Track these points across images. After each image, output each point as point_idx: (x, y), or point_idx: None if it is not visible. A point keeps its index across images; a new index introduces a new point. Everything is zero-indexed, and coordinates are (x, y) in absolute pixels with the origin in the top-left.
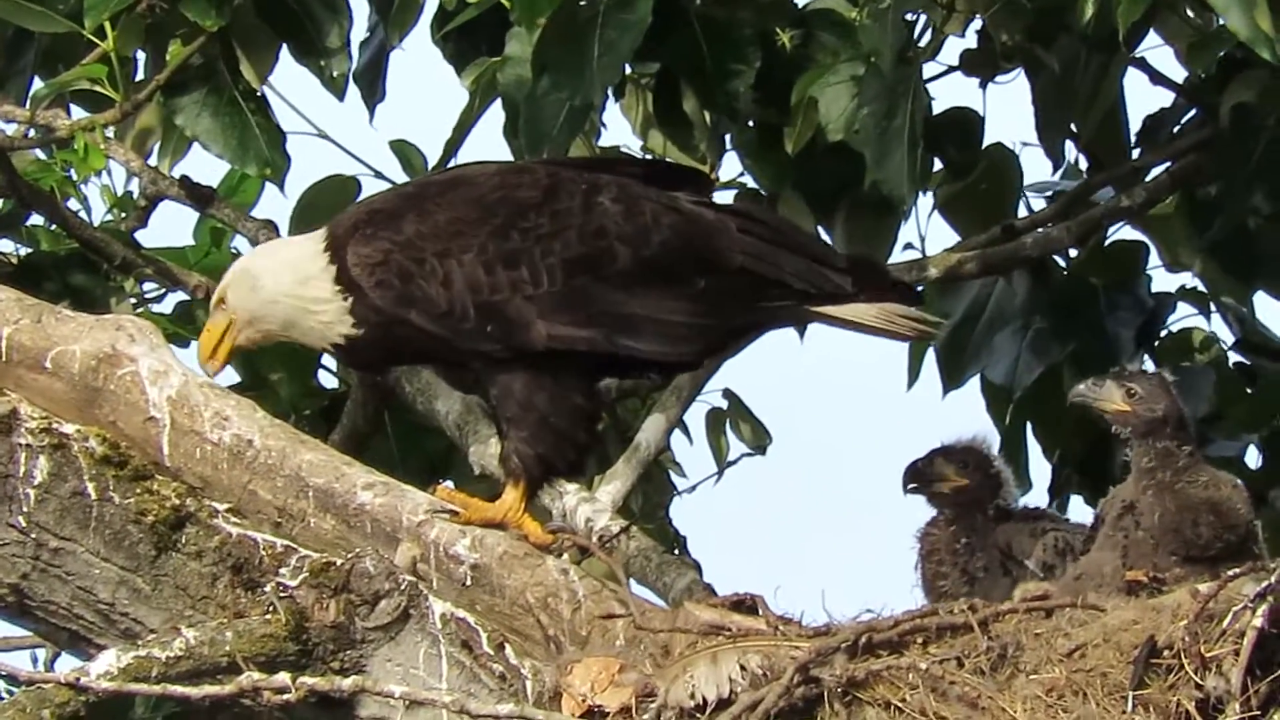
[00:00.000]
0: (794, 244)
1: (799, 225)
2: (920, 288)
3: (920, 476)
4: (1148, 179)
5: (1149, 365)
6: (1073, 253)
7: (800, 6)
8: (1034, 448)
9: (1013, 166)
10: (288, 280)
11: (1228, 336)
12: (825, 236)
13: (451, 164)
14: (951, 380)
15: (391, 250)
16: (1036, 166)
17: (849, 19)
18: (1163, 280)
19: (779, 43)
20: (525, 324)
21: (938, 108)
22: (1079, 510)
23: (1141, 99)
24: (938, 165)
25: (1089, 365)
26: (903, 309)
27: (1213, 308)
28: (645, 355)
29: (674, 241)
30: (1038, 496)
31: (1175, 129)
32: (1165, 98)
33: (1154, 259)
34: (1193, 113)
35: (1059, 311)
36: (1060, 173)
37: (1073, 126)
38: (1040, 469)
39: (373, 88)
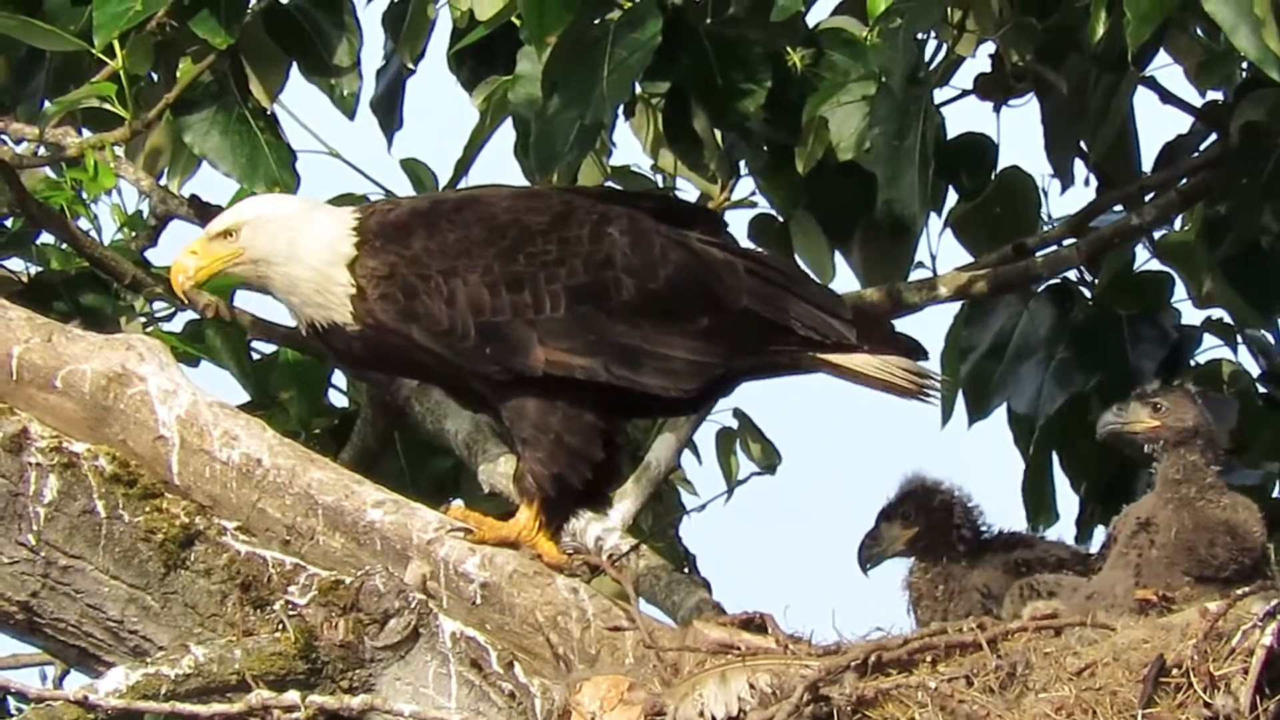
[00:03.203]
0: (802, 291)
1: (809, 273)
2: (929, 308)
3: (869, 548)
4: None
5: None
6: (1096, 283)
7: (811, 26)
8: (1061, 481)
9: (1028, 190)
10: (322, 253)
11: (1254, 368)
12: (840, 259)
13: (462, 183)
14: (976, 411)
15: (398, 264)
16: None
17: (860, 39)
18: (1192, 315)
19: (790, 62)
20: (525, 347)
21: (952, 133)
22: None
23: (1152, 118)
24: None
25: (1113, 396)
26: (906, 363)
27: (1239, 340)
28: (642, 388)
29: (680, 278)
30: (1065, 529)
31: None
32: (1175, 116)
33: (1181, 292)
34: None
35: (1083, 342)
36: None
37: (1083, 145)
38: (1068, 501)
39: (390, 115)
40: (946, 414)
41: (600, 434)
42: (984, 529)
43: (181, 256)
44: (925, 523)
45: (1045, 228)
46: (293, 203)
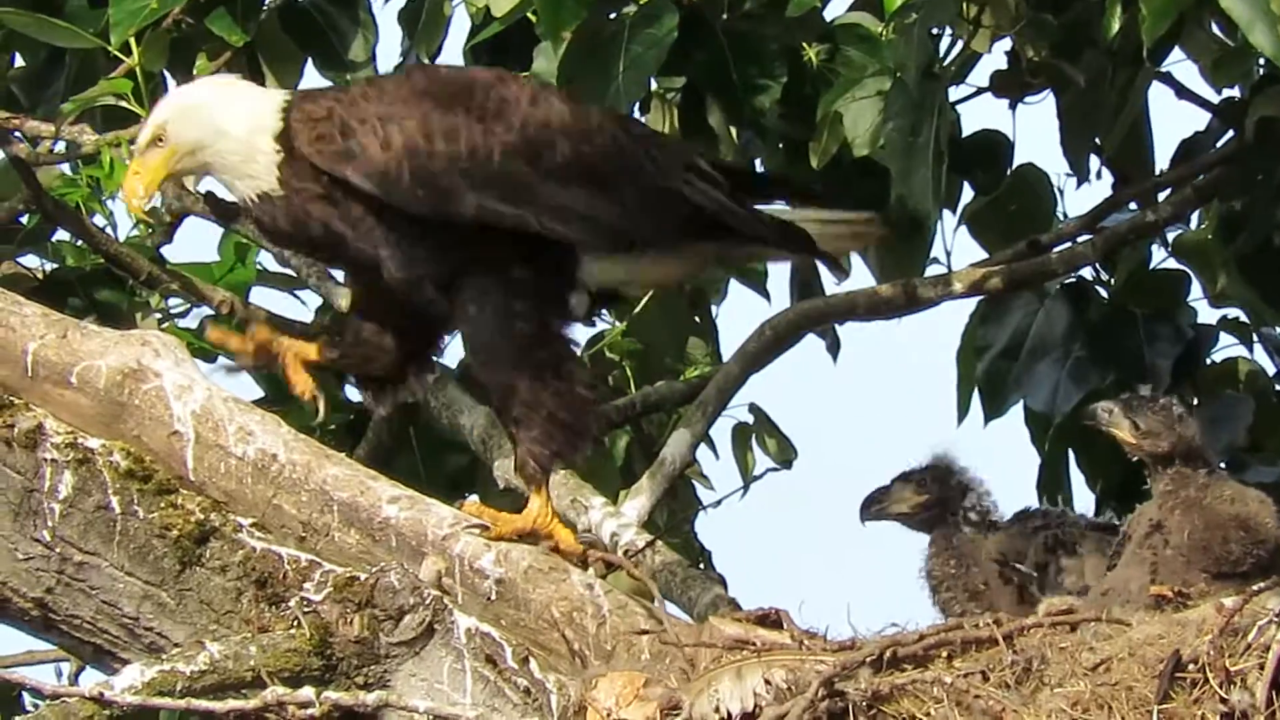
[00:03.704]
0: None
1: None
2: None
3: (875, 501)
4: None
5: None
6: (1112, 281)
7: (828, 22)
8: (1077, 478)
9: (1044, 187)
10: (244, 121)
11: (1270, 366)
12: (855, 256)
13: None
14: (992, 408)
15: (335, 107)
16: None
17: (876, 34)
18: (1208, 314)
19: (806, 58)
20: (458, 194)
21: (968, 130)
22: None
23: (1168, 114)
24: (969, 190)
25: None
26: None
27: (1255, 338)
28: (572, 240)
29: (613, 149)
30: None
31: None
32: (1191, 112)
33: (1198, 291)
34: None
35: (1099, 340)
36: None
37: (1099, 142)
38: (1084, 499)
39: None
40: (963, 412)
41: (591, 407)
42: (994, 522)
43: (126, 181)
44: (937, 496)
45: (1061, 225)
46: (206, 85)
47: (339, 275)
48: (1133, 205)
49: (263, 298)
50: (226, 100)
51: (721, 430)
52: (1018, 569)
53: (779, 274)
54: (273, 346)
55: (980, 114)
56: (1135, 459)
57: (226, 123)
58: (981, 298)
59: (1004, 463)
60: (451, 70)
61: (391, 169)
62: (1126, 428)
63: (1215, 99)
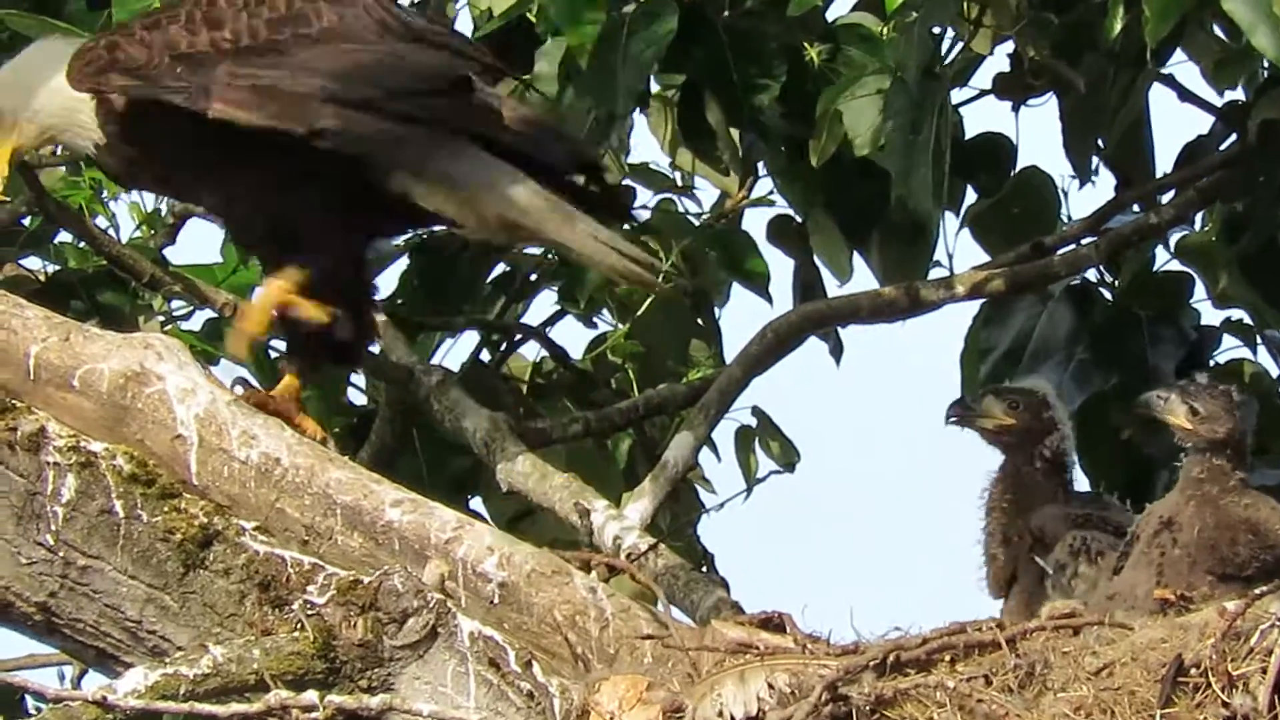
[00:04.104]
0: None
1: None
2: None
3: (964, 409)
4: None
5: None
6: (1116, 283)
7: (829, 21)
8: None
9: (1047, 189)
10: (57, 76)
11: (1274, 368)
12: (859, 259)
13: None
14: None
15: (103, 36)
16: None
17: (877, 34)
18: (1212, 316)
19: (806, 57)
20: (213, 64)
21: (970, 133)
22: None
23: (1170, 116)
24: (972, 193)
25: (1131, 397)
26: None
27: (1259, 340)
28: (322, 98)
29: (372, 26)
30: None
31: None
32: (1193, 114)
33: (1201, 293)
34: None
35: (1102, 342)
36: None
37: (1101, 144)
38: None
39: None
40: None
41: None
42: (1066, 466)
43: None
44: (1024, 424)
45: (1064, 227)
46: (24, 52)
47: None
48: (1136, 207)
49: None
50: (39, 61)
51: (724, 433)
52: (1036, 560)
53: (782, 276)
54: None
55: (983, 117)
56: (1180, 443)
57: (41, 82)
58: (984, 300)
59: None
60: None
61: (152, 60)
62: (1183, 413)
63: (1218, 101)
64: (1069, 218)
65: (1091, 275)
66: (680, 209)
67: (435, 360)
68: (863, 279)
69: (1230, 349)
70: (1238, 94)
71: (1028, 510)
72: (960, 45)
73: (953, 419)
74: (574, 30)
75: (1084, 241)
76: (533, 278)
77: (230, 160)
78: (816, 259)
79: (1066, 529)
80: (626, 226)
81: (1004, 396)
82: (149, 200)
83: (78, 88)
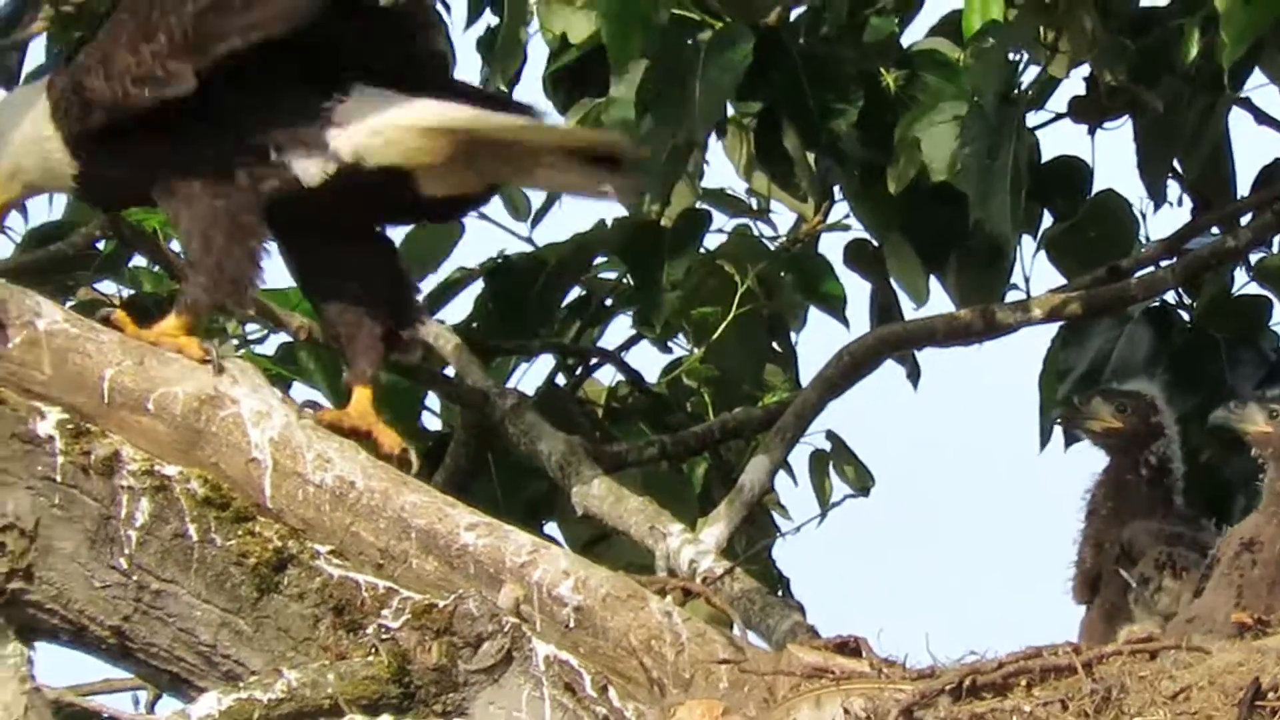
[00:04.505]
0: None
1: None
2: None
3: (1072, 410)
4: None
5: None
6: (1194, 305)
7: (905, 47)
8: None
9: (1123, 213)
10: (27, 125)
11: None
12: (935, 282)
13: (556, 205)
14: (1073, 434)
15: (65, 73)
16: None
17: (954, 60)
18: None
19: (883, 83)
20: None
21: (1047, 156)
22: None
23: (1248, 139)
24: (1048, 217)
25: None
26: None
27: None
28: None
29: None
30: None
31: None
32: (1271, 137)
33: None
34: None
35: (1181, 365)
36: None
37: (1178, 167)
38: None
39: None
40: (1045, 437)
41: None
42: (1170, 474)
43: None
44: (1131, 428)
45: (1141, 250)
46: None
47: None
48: (1214, 230)
49: None
50: (9, 109)
51: (799, 457)
52: (1120, 573)
53: (858, 300)
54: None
55: (1060, 140)
56: (1259, 456)
57: (12, 128)
58: (1061, 323)
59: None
60: None
61: (90, 65)
62: (1261, 418)
63: None
64: (1147, 240)
65: (1169, 298)
66: (756, 233)
67: (510, 384)
68: (939, 302)
69: None
70: None
71: (1126, 520)
72: (1037, 70)
73: (1061, 421)
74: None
75: (1161, 264)
76: (608, 302)
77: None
78: (893, 282)
79: (1155, 545)
80: None
81: (1112, 398)
82: None
83: (76, 149)
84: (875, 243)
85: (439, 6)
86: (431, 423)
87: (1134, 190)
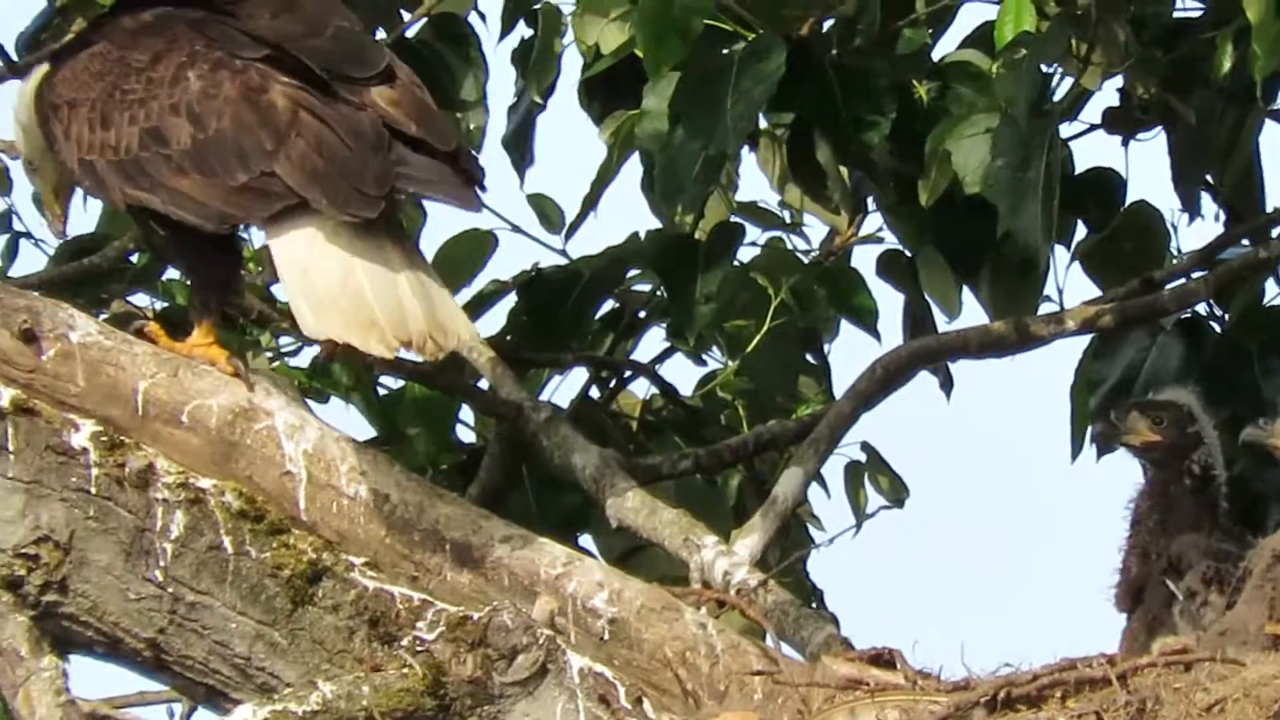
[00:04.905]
0: None
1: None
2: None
3: (1109, 426)
4: None
5: None
6: (1226, 316)
7: (937, 60)
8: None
9: (1157, 224)
10: (24, 110)
11: None
12: (968, 294)
13: (590, 217)
14: (1106, 444)
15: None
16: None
17: (986, 72)
18: None
19: (915, 95)
20: (109, 186)
21: (1080, 167)
22: None
23: (1278, 151)
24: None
25: (1243, 428)
26: None
27: None
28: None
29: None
30: None
31: None
32: None
33: None
34: None
35: (1214, 376)
36: None
37: (1211, 179)
38: None
39: (521, 152)
40: (1077, 447)
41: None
42: (1214, 481)
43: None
44: (1170, 439)
45: (1175, 261)
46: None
47: None
48: (1245, 241)
49: None
50: (18, 98)
51: (833, 469)
52: (1167, 584)
53: (891, 310)
54: None
55: (1093, 151)
56: None
57: (20, 117)
58: (1094, 334)
59: (1116, 500)
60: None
61: (69, 161)
62: None
63: None
64: (1179, 251)
65: (1201, 309)
66: (790, 246)
67: (544, 397)
68: (972, 314)
69: None
70: None
71: (1172, 532)
72: (1070, 81)
73: (1099, 437)
74: (659, 75)
75: (1194, 276)
76: (642, 315)
77: None
78: (926, 294)
79: (1203, 559)
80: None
81: (1148, 412)
82: (257, 237)
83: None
84: (908, 254)
85: (472, 18)
86: (465, 435)
87: (1167, 201)
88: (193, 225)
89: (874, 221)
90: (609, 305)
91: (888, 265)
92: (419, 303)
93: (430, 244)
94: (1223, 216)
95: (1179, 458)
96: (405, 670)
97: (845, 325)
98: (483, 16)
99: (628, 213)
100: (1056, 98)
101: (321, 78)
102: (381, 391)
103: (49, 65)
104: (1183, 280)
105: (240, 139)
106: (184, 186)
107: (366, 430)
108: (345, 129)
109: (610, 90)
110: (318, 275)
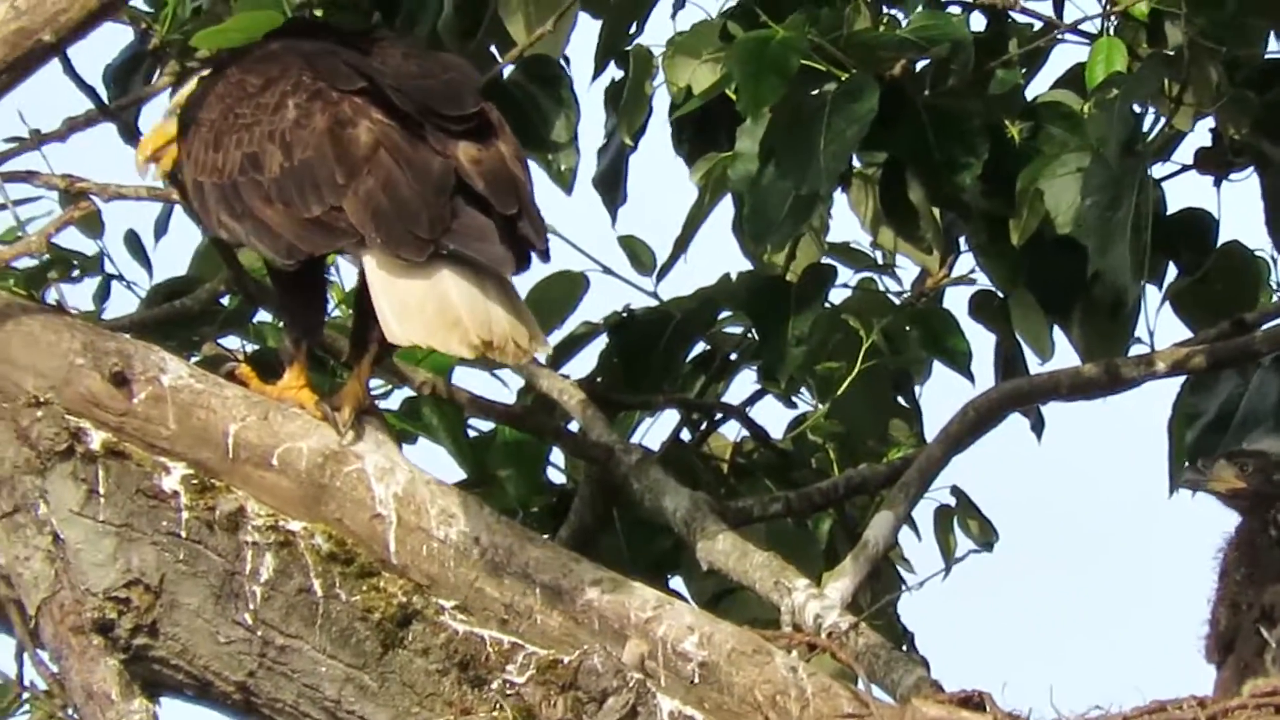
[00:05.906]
0: None
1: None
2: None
3: (1196, 473)
4: None
5: None
6: None
7: (1030, 100)
8: None
9: (1249, 265)
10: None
11: None
12: (1060, 334)
13: (681, 259)
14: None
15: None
16: None
17: (1077, 111)
18: None
19: (1008, 135)
20: (209, 210)
21: (1172, 208)
22: None
23: None
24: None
25: None
26: None
27: None
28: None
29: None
30: None
31: None
32: None
33: None
34: None
35: None
36: None
37: None
38: None
39: (613, 192)
40: (1174, 483)
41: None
42: None
43: (146, 134)
44: (1256, 487)
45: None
46: None
47: None
48: None
49: (465, 378)
50: (170, 107)
51: (924, 512)
52: (1261, 632)
53: (983, 350)
54: None
55: (1186, 192)
56: None
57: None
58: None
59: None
60: (263, 61)
61: (187, 184)
62: None
63: None
64: (1277, 286)
65: None
66: (881, 288)
67: (635, 439)
68: (1064, 356)
69: None
70: None
71: (1261, 583)
72: (1162, 122)
73: (1185, 484)
74: (757, 115)
75: None
76: (733, 357)
77: None
78: (1018, 335)
79: None
80: None
81: (1235, 459)
82: (349, 279)
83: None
84: (1000, 295)
85: (562, 60)
86: (556, 478)
87: (1260, 242)
88: (267, 259)
89: (966, 262)
90: (700, 347)
91: (980, 305)
92: (502, 308)
93: (523, 286)
94: None
95: (1266, 506)
96: (495, 714)
97: (937, 367)
98: (567, 61)
99: (719, 254)
100: (1149, 138)
101: (415, 118)
102: (471, 434)
103: (196, 81)
104: (1275, 321)
105: (318, 170)
106: (268, 216)
107: (456, 473)
108: (415, 169)
109: (701, 132)
110: (404, 283)
